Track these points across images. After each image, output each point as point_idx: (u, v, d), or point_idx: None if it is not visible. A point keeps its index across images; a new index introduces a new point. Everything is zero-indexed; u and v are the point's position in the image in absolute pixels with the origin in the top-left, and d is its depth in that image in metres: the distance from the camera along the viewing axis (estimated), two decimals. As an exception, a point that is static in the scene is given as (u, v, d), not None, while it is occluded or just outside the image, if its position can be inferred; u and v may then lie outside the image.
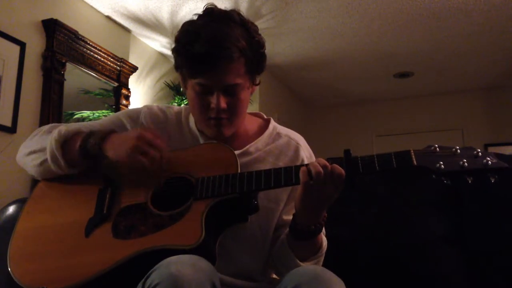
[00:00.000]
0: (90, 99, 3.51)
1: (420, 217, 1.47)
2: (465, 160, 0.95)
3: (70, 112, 3.22)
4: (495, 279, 1.36)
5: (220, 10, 1.15)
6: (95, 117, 3.28)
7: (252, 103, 4.22)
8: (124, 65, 3.62)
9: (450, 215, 1.44)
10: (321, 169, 0.98)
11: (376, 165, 0.99)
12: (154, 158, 1.06)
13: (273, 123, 1.28)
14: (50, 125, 1.27)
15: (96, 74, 3.42)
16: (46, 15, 3.01)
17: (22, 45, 2.83)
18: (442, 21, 3.82)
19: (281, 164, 1.19)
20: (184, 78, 1.17)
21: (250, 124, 1.26)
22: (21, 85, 2.80)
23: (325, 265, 1.12)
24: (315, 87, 5.56)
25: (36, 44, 2.95)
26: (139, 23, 3.72)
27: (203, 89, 1.11)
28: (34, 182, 2.69)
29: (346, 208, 1.46)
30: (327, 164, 0.99)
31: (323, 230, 1.13)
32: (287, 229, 1.13)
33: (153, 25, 3.75)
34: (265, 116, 1.33)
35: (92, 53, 3.34)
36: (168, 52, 4.20)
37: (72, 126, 1.21)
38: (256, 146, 1.21)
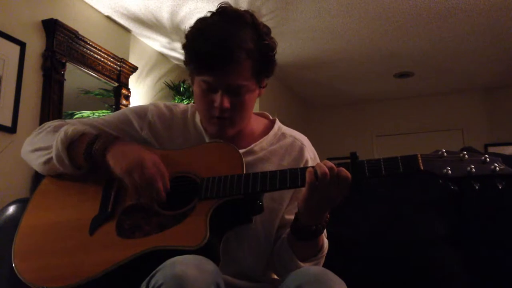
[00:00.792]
0: (90, 99, 3.51)
1: (421, 218, 1.47)
2: (472, 166, 0.94)
3: (70, 112, 3.22)
4: (496, 280, 1.36)
5: (233, 10, 1.14)
6: (95, 117, 3.28)
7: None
8: (124, 65, 3.62)
9: (452, 215, 1.44)
10: (327, 170, 0.98)
11: (383, 169, 0.98)
12: (151, 185, 1.06)
13: (278, 124, 1.28)
14: (55, 121, 1.26)
15: (96, 74, 3.41)
16: (46, 15, 3.01)
17: (22, 45, 2.82)
18: (442, 21, 3.82)
19: (285, 163, 1.19)
20: (192, 74, 1.17)
21: (255, 124, 1.27)
22: (21, 85, 2.79)
23: (326, 265, 1.12)
24: (315, 87, 5.56)
25: (36, 44, 2.95)
26: (139, 23, 3.72)
27: (208, 86, 1.12)
28: (34, 182, 2.70)
29: (347, 208, 1.45)
30: (334, 166, 0.99)
31: (324, 231, 1.13)
32: (289, 229, 1.13)
33: (153, 25, 3.75)
34: (270, 117, 1.33)
35: (92, 53, 3.33)
36: (168, 52, 4.21)
37: (78, 124, 1.21)
38: (261, 145, 1.21)
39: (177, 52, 4.07)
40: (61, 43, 3.06)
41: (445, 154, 0.97)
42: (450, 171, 0.95)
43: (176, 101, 3.93)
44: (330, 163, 1.00)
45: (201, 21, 1.14)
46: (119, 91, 3.60)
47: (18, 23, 2.83)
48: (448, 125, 5.67)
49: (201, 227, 1.00)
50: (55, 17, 3.01)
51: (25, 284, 1.04)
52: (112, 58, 3.50)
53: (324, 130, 6.11)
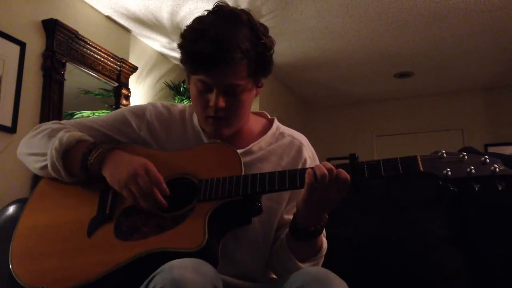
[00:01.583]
0: (90, 99, 3.51)
1: (421, 218, 1.47)
2: (472, 167, 0.94)
3: (70, 112, 3.21)
4: (496, 280, 1.36)
5: (229, 9, 1.14)
6: (93, 117, 3.27)
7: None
8: (124, 65, 3.62)
9: (452, 216, 1.44)
10: (326, 172, 0.97)
11: (382, 170, 0.98)
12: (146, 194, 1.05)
13: (276, 123, 1.28)
14: (51, 124, 1.25)
15: (96, 74, 3.41)
16: (46, 15, 3.01)
17: (22, 45, 2.82)
18: (442, 21, 3.81)
19: (284, 163, 1.19)
20: (188, 73, 1.17)
21: (254, 123, 1.26)
22: (21, 85, 2.79)
23: (326, 266, 1.12)
24: (315, 87, 5.55)
25: (36, 44, 2.94)
26: (139, 23, 3.72)
27: (203, 86, 1.11)
28: (34, 182, 2.70)
29: (347, 209, 1.45)
30: (333, 168, 0.98)
31: (324, 231, 1.13)
32: (287, 229, 1.12)
33: (153, 25, 3.75)
34: (269, 116, 1.32)
35: (92, 53, 3.33)
36: (168, 52, 4.20)
37: (74, 128, 1.20)
38: (259, 145, 1.20)
39: (177, 52, 3.99)
40: (61, 43, 3.06)
41: (444, 155, 0.97)
42: (450, 172, 0.94)
43: (176, 101, 3.93)
44: (329, 165, 0.99)
45: (197, 20, 1.14)
46: (119, 91, 3.60)
47: (18, 23, 2.83)
48: (448, 125, 5.66)
49: (199, 229, 0.99)
50: (55, 17, 3.01)
51: (23, 286, 1.04)
52: (112, 58, 3.50)
53: (324, 130, 6.10)
